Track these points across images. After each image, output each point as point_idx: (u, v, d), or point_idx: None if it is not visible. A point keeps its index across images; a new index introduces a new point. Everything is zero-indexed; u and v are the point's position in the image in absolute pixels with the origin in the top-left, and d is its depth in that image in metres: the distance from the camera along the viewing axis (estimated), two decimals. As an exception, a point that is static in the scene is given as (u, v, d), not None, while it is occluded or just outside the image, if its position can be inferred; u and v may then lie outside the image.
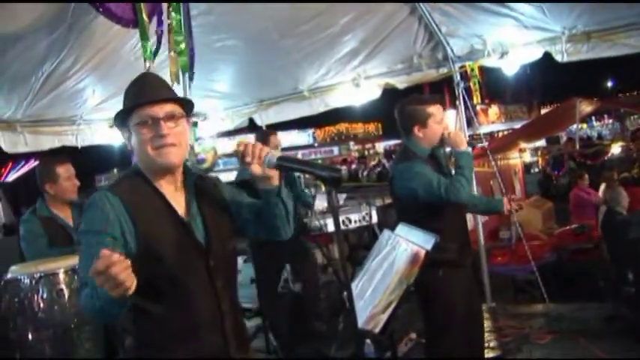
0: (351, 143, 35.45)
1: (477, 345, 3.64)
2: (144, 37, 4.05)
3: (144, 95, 1.94)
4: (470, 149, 3.49)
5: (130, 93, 1.99)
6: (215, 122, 7.75)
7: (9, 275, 3.41)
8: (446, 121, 3.55)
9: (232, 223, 2.13)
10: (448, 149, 3.64)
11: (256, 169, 1.96)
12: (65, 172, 3.99)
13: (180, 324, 1.93)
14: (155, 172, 1.98)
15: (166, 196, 1.98)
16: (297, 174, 4.91)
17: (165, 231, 1.91)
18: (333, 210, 2.07)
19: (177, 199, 2.00)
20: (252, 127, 7.99)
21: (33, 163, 22.80)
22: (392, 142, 37.25)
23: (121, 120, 1.98)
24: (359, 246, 7.32)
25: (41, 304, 3.30)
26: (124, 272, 1.51)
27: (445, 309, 3.41)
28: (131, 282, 1.55)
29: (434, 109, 3.46)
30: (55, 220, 3.97)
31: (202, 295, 1.96)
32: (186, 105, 2.03)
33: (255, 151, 1.95)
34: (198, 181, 2.10)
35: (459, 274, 3.45)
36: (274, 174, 2.01)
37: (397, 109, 3.59)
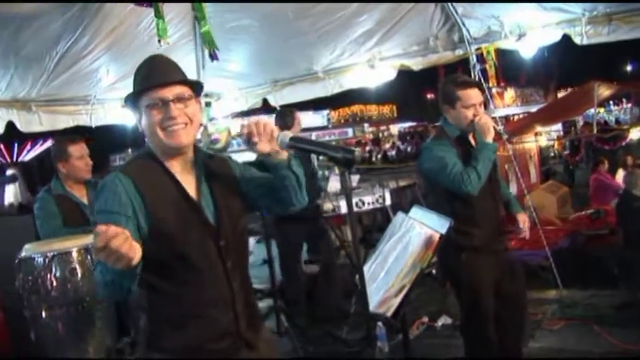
0: (366, 125, 35.27)
1: (514, 330, 3.52)
2: (158, 15, 4.03)
3: (153, 77, 1.94)
4: (494, 143, 3.30)
5: (140, 75, 2.00)
6: (229, 102, 7.73)
7: (23, 254, 3.44)
8: (479, 108, 3.31)
9: (243, 201, 2.13)
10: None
11: (264, 147, 1.95)
12: (76, 151, 4.01)
13: (191, 302, 1.95)
14: (165, 153, 1.99)
15: (177, 176, 1.98)
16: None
17: (176, 211, 1.92)
18: (346, 191, 2.05)
19: (187, 179, 2.01)
20: (265, 107, 7.96)
21: (49, 143, 22.99)
22: (406, 125, 37.02)
23: (132, 101, 2.00)
24: (372, 228, 7.30)
25: (54, 283, 3.33)
26: (125, 244, 1.52)
27: (470, 293, 3.36)
28: (134, 253, 1.56)
29: (464, 93, 3.31)
30: (70, 198, 4.00)
31: (213, 274, 1.97)
32: (196, 85, 2.03)
33: (260, 129, 1.95)
34: (208, 161, 2.09)
35: (487, 260, 3.34)
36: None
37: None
